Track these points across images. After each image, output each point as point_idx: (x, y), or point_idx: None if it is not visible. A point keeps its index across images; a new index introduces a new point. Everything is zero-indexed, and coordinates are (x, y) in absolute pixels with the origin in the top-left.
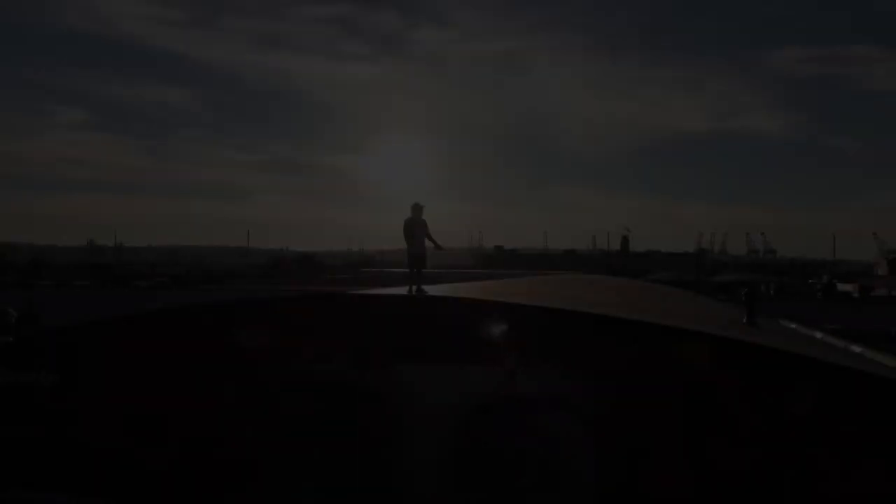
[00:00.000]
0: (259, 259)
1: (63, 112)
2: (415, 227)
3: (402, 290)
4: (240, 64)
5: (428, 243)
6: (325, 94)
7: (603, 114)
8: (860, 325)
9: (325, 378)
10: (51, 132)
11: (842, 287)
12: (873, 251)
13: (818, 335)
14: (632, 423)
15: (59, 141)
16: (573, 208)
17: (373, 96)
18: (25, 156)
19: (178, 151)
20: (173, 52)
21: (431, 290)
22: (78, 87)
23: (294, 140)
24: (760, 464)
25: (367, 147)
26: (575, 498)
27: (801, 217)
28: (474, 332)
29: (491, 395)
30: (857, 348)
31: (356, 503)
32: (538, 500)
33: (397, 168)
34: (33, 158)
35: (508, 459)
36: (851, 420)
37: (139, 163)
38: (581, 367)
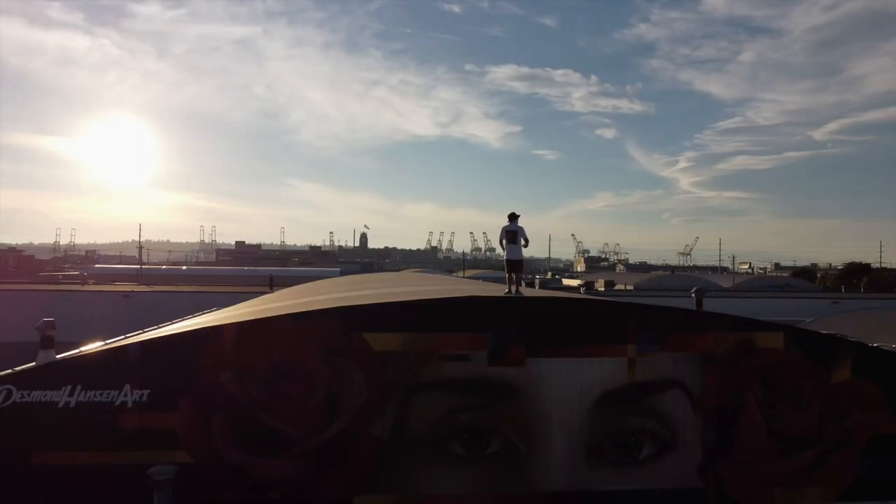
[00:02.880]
0: None
1: None
2: (510, 234)
3: (501, 293)
4: None
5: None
6: (26, 65)
7: (338, 112)
8: None
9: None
10: None
11: (567, 282)
12: (572, 250)
13: None
14: None
15: None
16: (309, 205)
17: (85, 72)
18: None
19: None
20: None
21: (526, 292)
22: None
23: None
24: None
25: (78, 128)
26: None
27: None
28: (589, 327)
29: (612, 381)
30: None
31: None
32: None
33: (114, 154)
34: None
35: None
36: None
37: None
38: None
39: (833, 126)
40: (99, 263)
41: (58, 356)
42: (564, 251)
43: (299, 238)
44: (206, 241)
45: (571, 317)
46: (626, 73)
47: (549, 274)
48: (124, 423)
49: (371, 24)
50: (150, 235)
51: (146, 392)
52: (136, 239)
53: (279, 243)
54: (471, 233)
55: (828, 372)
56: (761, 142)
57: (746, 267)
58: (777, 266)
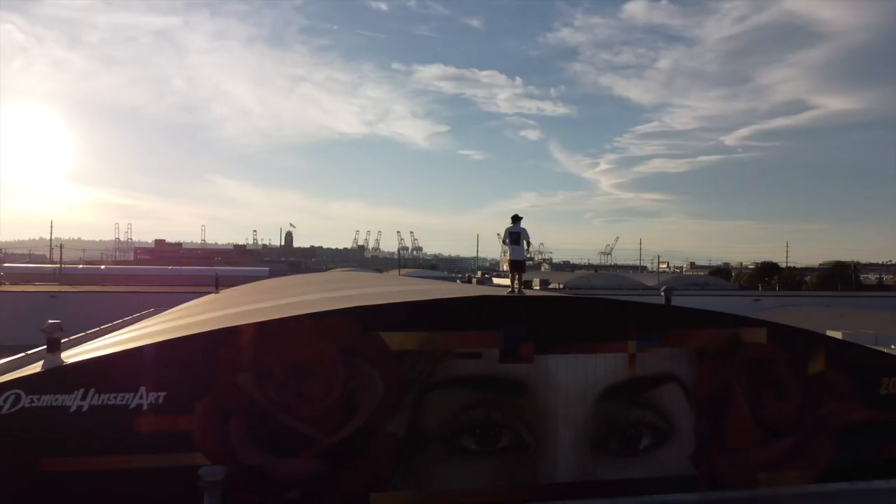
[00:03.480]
0: None
1: None
2: (513, 235)
3: (504, 292)
4: None
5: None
6: None
7: (263, 108)
8: None
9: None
10: None
11: (497, 281)
12: (498, 250)
13: None
14: None
15: None
16: (231, 203)
17: None
18: None
19: None
20: None
21: (529, 292)
22: None
23: None
24: None
25: None
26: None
27: (443, 218)
28: (593, 325)
29: (615, 376)
30: None
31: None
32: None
33: (18, 146)
34: None
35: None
36: None
37: None
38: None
39: (743, 132)
40: (7, 262)
41: (72, 360)
42: (491, 250)
43: (221, 236)
44: (122, 238)
45: (576, 315)
46: (550, 75)
47: (480, 273)
48: (140, 426)
49: (296, 19)
50: (61, 233)
51: (162, 394)
52: (45, 237)
53: (200, 241)
54: (398, 232)
55: (805, 364)
56: (677, 146)
57: (665, 266)
58: (692, 265)
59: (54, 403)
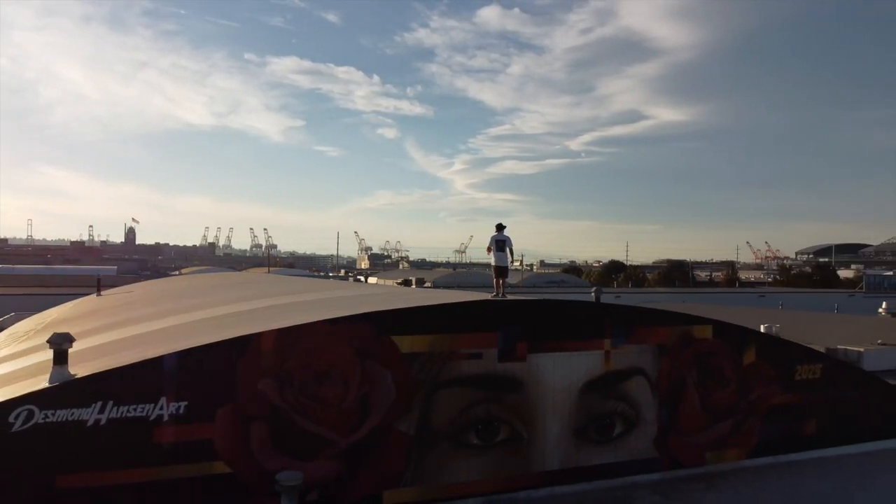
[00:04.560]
0: None
1: None
2: (499, 243)
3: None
4: None
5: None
6: None
7: (99, 93)
8: None
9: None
10: None
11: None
12: (355, 247)
13: None
14: None
15: None
16: (62, 195)
17: None
18: None
19: None
20: None
21: (511, 296)
22: None
23: None
24: None
25: None
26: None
27: (297, 216)
28: (576, 325)
29: (594, 371)
30: None
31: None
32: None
33: None
34: None
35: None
36: None
37: None
38: None
39: (586, 138)
40: None
41: (89, 372)
42: (347, 248)
43: (50, 231)
44: None
45: (562, 316)
46: (407, 75)
47: (343, 272)
48: (161, 437)
49: (139, 0)
50: None
51: (183, 404)
52: None
53: (26, 237)
54: (251, 229)
55: (741, 356)
56: (527, 149)
57: (519, 264)
58: (542, 263)
59: (70, 418)
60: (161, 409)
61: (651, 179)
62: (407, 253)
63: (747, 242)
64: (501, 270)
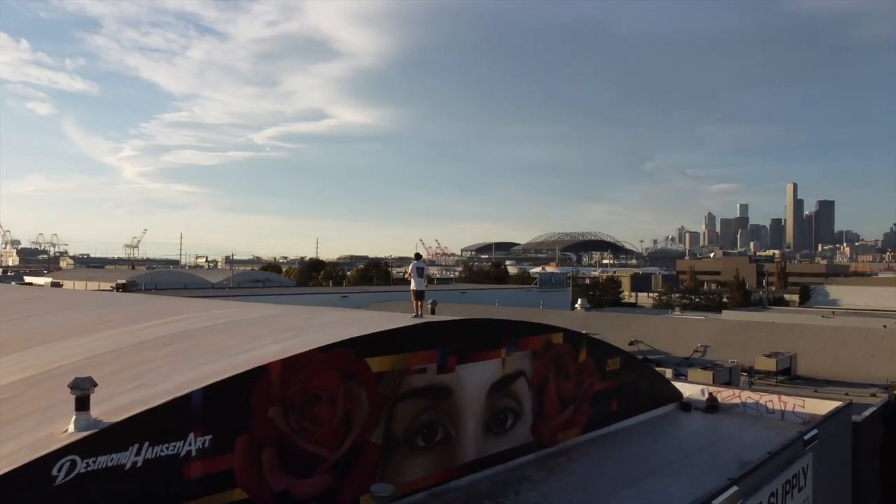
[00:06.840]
0: None
1: None
2: (419, 270)
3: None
4: None
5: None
6: None
7: None
8: None
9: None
10: None
11: (30, 279)
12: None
13: None
14: None
15: None
16: None
17: None
18: None
19: None
20: None
21: (429, 317)
22: None
23: None
24: None
25: None
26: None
27: None
28: (485, 339)
29: (495, 375)
30: None
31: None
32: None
33: None
34: None
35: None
36: None
37: None
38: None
39: (271, 132)
40: None
41: (122, 416)
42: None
43: None
44: None
45: (479, 332)
46: (67, 45)
47: None
48: (189, 473)
49: None
50: None
51: (208, 438)
52: None
53: None
54: None
55: (578, 354)
56: (208, 139)
57: (203, 260)
58: (227, 259)
59: (110, 464)
60: (189, 444)
61: (336, 177)
62: (66, 247)
63: (420, 240)
64: (420, 294)
